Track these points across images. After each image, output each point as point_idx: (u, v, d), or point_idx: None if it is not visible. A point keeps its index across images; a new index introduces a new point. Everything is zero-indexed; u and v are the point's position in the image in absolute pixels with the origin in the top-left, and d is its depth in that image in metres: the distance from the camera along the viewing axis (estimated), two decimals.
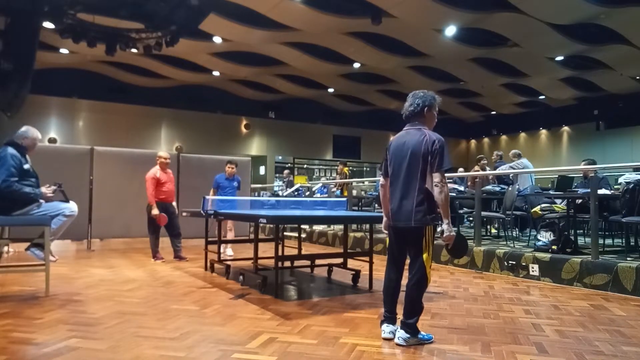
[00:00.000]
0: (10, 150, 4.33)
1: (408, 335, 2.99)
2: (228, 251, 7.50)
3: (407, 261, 3.18)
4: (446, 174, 3.03)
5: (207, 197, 5.49)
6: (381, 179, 3.31)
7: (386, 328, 3.14)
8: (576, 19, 11.85)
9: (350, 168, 15.94)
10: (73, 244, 8.64)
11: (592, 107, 18.88)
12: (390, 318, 3.16)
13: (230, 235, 7.48)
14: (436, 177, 2.97)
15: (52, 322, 3.39)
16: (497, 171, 8.38)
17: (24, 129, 4.56)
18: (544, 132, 21.31)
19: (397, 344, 2.99)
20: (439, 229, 3.12)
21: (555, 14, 11.64)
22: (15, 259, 6.61)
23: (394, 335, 3.07)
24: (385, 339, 3.12)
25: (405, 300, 3.05)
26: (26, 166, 4.39)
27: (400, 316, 3.11)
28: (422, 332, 3.06)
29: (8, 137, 4.45)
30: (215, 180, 7.44)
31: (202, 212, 5.38)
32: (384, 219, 3.30)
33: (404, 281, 3.14)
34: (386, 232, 3.29)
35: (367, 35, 13.45)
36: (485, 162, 9.28)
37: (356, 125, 21.95)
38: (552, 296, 4.59)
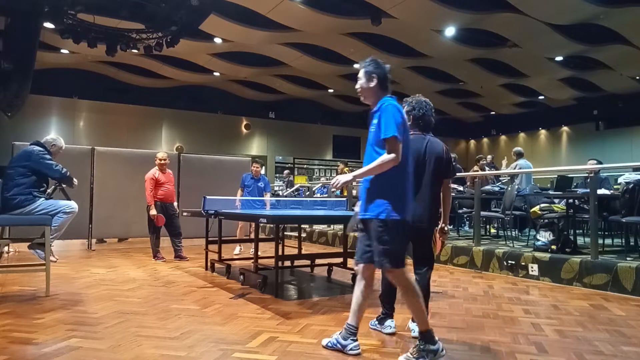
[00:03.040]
0: (39, 149, 4.46)
1: None
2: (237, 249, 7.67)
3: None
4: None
5: (207, 196, 5.49)
6: None
7: (391, 323, 3.27)
8: (576, 19, 11.85)
9: (350, 168, 15.93)
10: (74, 244, 8.64)
11: (592, 107, 18.84)
12: (391, 314, 3.32)
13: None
14: (449, 182, 3.29)
15: (53, 322, 3.40)
16: (498, 171, 8.38)
17: (53, 136, 4.70)
18: (543, 132, 21.30)
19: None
20: (446, 228, 3.28)
21: (554, 14, 11.63)
22: (15, 259, 6.62)
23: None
24: (389, 334, 3.22)
25: (423, 294, 3.17)
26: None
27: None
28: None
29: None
30: (242, 179, 7.53)
31: (202, 212, 5.39)
32: None
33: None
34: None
35: (367, 35, 13.45)
36: (485, 162, 9.29)
37: (356, 126, 21.93)
38: (552, 296, 4.60)
